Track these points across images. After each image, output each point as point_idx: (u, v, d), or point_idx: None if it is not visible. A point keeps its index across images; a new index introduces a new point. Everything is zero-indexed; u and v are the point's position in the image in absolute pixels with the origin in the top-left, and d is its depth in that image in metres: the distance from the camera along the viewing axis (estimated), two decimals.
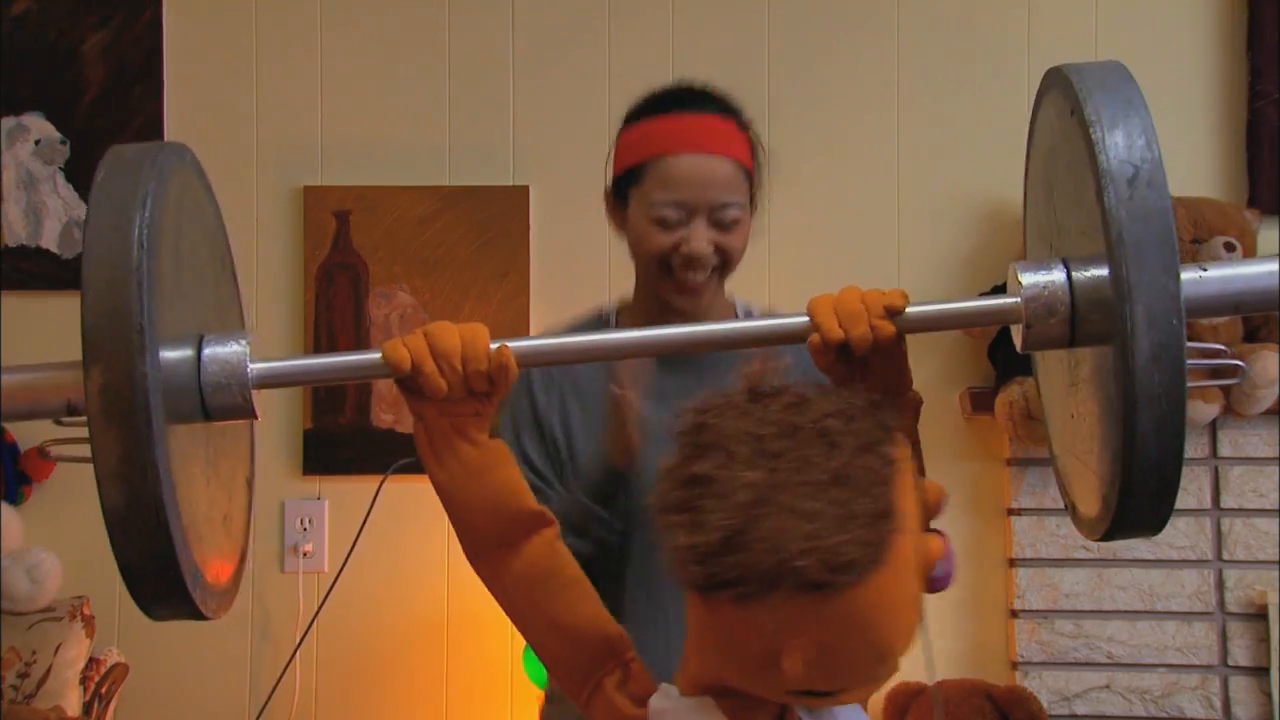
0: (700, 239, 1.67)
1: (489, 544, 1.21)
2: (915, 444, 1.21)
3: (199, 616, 1.12)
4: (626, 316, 1.82)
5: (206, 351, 1.15)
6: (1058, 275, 1.15)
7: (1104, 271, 1.08)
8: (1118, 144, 1.07)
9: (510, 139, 2.94)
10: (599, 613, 1.20)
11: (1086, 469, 1.20)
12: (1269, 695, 2.68)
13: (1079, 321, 1.14)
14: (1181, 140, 2.85)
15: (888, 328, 1.17)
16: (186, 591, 1.08)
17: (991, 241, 2.86)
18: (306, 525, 2.86)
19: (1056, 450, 1.34)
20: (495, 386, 1.19)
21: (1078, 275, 1.14)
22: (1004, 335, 2.75)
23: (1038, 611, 2.76)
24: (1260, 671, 2.70)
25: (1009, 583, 2.80)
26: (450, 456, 1.18)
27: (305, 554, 2.86)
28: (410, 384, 1.18)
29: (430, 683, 2.85)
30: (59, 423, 1.12)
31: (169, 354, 1.09)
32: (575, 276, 2.83)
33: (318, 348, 2.87)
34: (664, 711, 1.15)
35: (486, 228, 2.89)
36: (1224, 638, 2.72)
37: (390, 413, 2.86)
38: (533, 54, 2.95)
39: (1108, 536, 1.15)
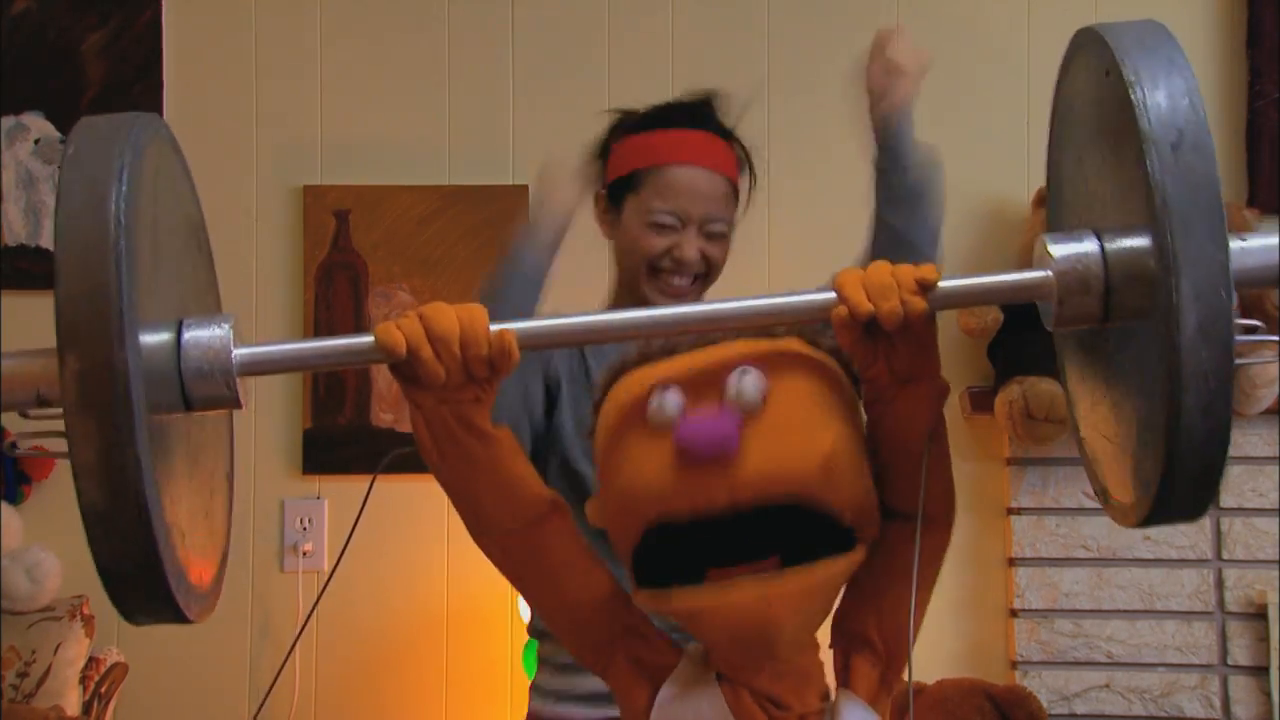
0: (692, 246, 1.79)
1: (496, 530, 1.17)
2: (941, 432, 1.16)
3: (182, 620, 1.05)
4: None
5: (187, 336, 1.06)
6: (1090, 247, 1.07)
7: (1139, 241, 1.02)
8: (1160, 106, 1.00)
9: (510, 139, 2.94)
10: (614, 591, 1.18)
11: (1120, 451, 1.14)
12: (1269, 695, 2.68)
13: (1114, 296, 1.07)
14: None
15: (919, 303, 1.08)
16: (170, 595, 1.00)
17: (991, 241, 2.86)
18: (306, 525, 2.87)
19: (1084, 433, 1.26)
20: (496, 371, 1.11)
21: (1110, 247, 1.07)
22: (1004, 334, 2.76)
23: (1037, 611, 2.76)
24: (1260, 671, 2.70)
25: (1009, 582, 2.80)
26: (452, 447, 1.12)
27: (305, 553, 2.86)
28: (406, 370, 1.10)
29: (430, 680, 2.85)
30: (25, 416, 1.04)
31: (148, 339, 1.01)
32: (574, 275, 2.82)
33: None
34: (668, 701, 1.15)
35: (486, 227, 2.89)
36: (1224, 637, 2.72)
37: (390, 412, 2.86)
38: (533, 54, 2.95)
39: (1146, 522, 1.10)
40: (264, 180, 2.94)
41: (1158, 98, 1.00)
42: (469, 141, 2.94)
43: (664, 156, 1.80)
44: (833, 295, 1.10)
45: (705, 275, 1.83)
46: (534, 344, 1.14)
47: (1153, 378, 1.03)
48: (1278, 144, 2.83)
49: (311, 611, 1.38)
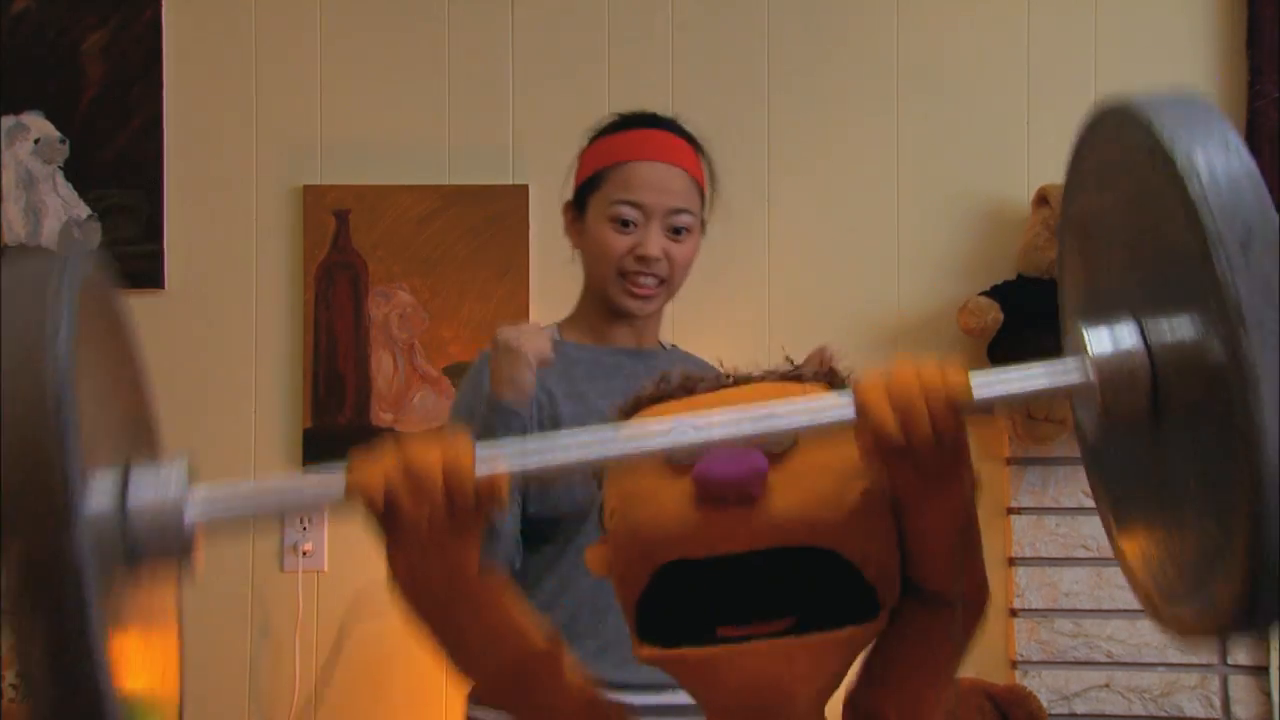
0: (655, 243, 1.79)
1: (483, 673, 1.09)
2: (973, 520, 1.09)
3: None
4: (569, 330, 1.94)
5: (134, 491, 0.96)
6: (1133, 339, 0.98)
7: (1183, 322, 0.94)
8: (1223, 200, 0.90)
9: (510, 139, 2.94)
10: (610, 714, 1.12)
11: (1172, 562, 1.04)
12: (1269, 695, 2.68)
13: (1162, 391, 0.97)
14: None
15: (952, 425, 0.98)
16: None
17: (991, 241, 2.86)
18: (306, 524, 2.86)
19: (1117, 526, 1.16)
20: (483, 515, 1.00)
21: (1153, 334, 0.97)
22: (1004, 334, 2.76)
23: (1037, 610, 2.76)
24: (1260, 671, 2.70)
25: (1008, 582, 2.80)
26: (433, 603, 1.04)
27: (305, 553, 2.85)
28: (383, 519, 1.00)
29: (430, 682, 2.85)
30: None
31: (94, 505, 0.90)
32: (575, 275, 2.82)
33: (317, 348, 2.87)
34: None
35: (486, 227, 2.89)
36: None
37: (390, 411, 2.86)
38: (533, 54, 2.95)
39: (1213, 637, 1.01)
40: (264, 180, 2.94)
41: (1220, 192, 0.90)
42: (469, 141, 2.94)
43: (624, 154, 1.82)
44: (852, 407, 0.99)
45: (669, 277, 1.83)
46: (528, 479, 1.02)
47: (1219, 493, 0.93)
48: (1278, 144, 2.82)
49: (342, 629, 1.35)
